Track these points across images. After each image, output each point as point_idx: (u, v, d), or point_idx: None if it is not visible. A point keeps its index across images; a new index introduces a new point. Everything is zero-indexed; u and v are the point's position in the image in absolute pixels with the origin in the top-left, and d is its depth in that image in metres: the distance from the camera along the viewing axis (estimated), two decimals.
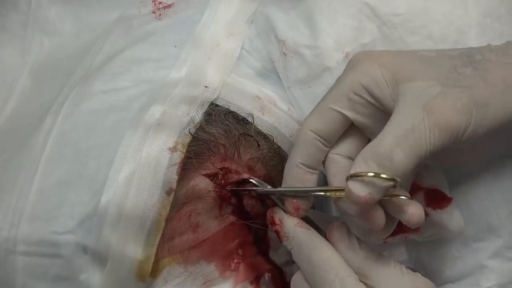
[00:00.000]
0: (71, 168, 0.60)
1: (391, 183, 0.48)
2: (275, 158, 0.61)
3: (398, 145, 0.48)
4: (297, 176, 0.55)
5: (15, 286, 0.60)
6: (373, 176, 0.48)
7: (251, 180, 0.59)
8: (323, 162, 0.56)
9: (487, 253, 0.63)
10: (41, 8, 0.78)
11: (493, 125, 0.51)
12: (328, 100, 0.55)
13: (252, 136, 0.60)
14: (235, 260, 0.59)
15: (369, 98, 0.53)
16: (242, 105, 0.62)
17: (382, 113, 0.53)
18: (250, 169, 0.60)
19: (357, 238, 0.53)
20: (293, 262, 0.55)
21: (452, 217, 0.60)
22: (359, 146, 0.56)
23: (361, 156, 0.50)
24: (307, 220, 0.57)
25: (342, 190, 0.52)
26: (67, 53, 0.74)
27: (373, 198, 0.48)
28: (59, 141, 0.62)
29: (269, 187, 0.58)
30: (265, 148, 0.61)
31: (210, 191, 0.58)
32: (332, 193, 0.53)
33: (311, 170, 0.55)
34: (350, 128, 0.55)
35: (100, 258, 0.56)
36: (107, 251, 0.56)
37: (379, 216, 0.51)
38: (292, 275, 0.56)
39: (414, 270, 0.53)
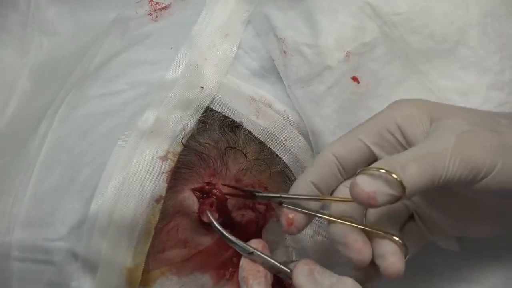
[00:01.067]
0: (64, 174, 0.60)
1: (398, 192, 0.47)
2: (262, 165, 0.61)
3: (414, 160, 0.47)
4: (303, 192, 0.53)
5: None
6: (384, 173, 0.46)
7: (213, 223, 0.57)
8: (332, 191, 0.54)
9: (490, 250, 0.64)
10: (40, 8, 0.78)
11: None
12: (359, 131, 0.54)
13: (237, 149, 0.60)
14: (230, 269, 0.59)
15: (400, 138, 0.52)
16: (237, 109, 0.62)
17: None
18: (238, 181, 0.59)
19: (326, 270, 0.52)
20: (290, 262, 0.55)
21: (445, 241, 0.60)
22: None
23: (375, 163, 0.49)
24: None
25: (347, 200, 0.51)
26: (65, 53, 0.74)
27: (376, 198, 0.46)
28: (54, 146, 0.62)
29: (232, 238, 0.56)
30: (252, 158, 0.61)
31: (194, 212, 0.58)
32: (327, 215, 0.52)
33: (318, 192, 0.54)
34: None
35: (90, 265, 0.56)
36: (97, 259, 0.56)
37: (366, 250, 0.50)
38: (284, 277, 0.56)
39: None
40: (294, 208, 0.53)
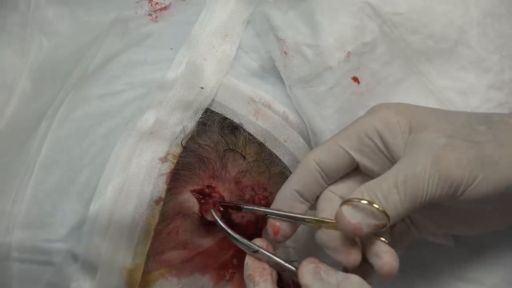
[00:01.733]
0: (64, 175, 0.60)
1: (383, 221, 0.48)
2: (262, 166, 0.61)
3: (396, 186, 0.49)
4: (288, 201, 0.55)
5: None
6: (366, 204, 0.48)
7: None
8: (317, 198, 0.55)
9: (490, 250, 0.63)
10: (40, 8, 0.77)
11: (500, 185, 0.51)
12: (339, 137, 0.55)
13: (236, 151, 0.60)
14: (230, 270, 0.59)
15: (379, 143, 0.53)
16: (236, 110, 0.62)
17: (389, 161, 0.54)
18: (238, 183, 0.59)
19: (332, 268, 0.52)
20: (290, 262, 0.55)
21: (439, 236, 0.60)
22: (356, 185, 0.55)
23: (358, 189, 0.50)
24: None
25: (330, 222, 0.52)
26: (65, 54, 0.74)
27: (361, 229, 0.48)
28: (53, 147, 0.62)
29: (237, 236, 0.56)
30: (251, 159, 0.60)
31: (195, 213, 0.58)
32: (314, 223, 0.53)
33: (302, 200, 0.55)
34: (354, 172, 0.55)
35: (90, 266, 0.56)
36: (97, 260, 0.56)
37: (355, 253, 0.51)
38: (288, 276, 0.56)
39: None
40: (279, 217, 0.55)
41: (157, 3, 0.70)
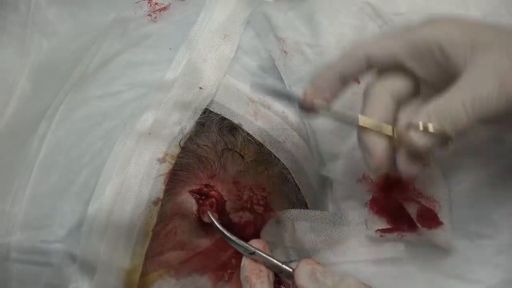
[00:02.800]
0: (63, 176, 0.60)
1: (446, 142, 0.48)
2: (260, 166, 0.61)
3: (463, 106, 0.47)
4: (329, 83, 0.54)
5: None
6: (435, 131, 0.47)
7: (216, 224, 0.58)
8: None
9: (491, 249, 0.62)
10: (40, 9, 0.78)
11: None
12: (393, 41, 0.53)
13: (234, 150, 0.60)
14: (229, 271, 0.59)
15: (439, 55, 0.51)
16: (235, 110, 0.62)
17: (446, 75, 0.51)
18: (236, 183, 0.59)
19: (328, 269, 0.52)
20: (289, 262, 0.55)
21: (439, 236, 0.60)
22: (406, 87, 0.54)
23: (424, 111, 0.49)
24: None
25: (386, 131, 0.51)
26: (65, 54, 0.74)
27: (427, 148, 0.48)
28: (52, 147, 0.62)
29: (234, 238, 0.56)
30: (250, 159, 0.60)
31: (193, 213, 0.58)
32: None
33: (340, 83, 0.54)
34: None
35: (88, 267, 0.56)
36: (95, 261, 0.56)
37: (384, 157, 0.51)
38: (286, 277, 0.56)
39: None
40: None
41: (156, 4, 0.70)
